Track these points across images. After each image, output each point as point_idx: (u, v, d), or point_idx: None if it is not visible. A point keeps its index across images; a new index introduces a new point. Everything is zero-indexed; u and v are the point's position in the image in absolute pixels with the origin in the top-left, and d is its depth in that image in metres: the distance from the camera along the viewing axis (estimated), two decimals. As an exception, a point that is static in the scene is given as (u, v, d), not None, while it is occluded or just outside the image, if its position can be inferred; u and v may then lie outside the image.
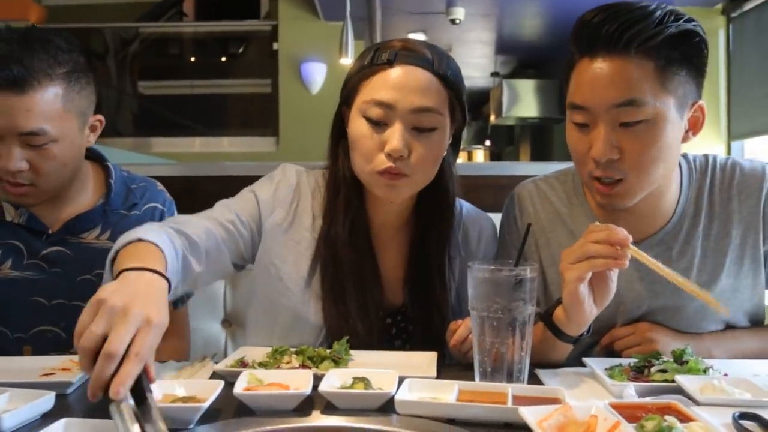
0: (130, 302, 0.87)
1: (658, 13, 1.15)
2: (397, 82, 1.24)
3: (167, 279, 1.01)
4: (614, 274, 1.13)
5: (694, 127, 1.23)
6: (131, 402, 0.82)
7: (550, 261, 1.38)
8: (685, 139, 1.23)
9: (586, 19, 1.19)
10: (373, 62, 1.27)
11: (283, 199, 1.37)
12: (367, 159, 1.26)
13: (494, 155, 10.41)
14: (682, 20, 1.16)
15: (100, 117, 1.46)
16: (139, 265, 0.98)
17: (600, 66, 1.16)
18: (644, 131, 1.16)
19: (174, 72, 7.35)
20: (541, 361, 1.22)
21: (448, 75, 1.27)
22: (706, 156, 1.37)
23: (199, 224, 1.27)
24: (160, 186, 1.62)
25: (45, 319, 1.42)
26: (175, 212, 1.60)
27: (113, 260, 1.07)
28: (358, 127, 1.27)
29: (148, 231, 1.11)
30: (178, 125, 6.83)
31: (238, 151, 6.23)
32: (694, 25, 1.17)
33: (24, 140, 1.29)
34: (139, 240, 1.07)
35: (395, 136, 1.23)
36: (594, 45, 1.17)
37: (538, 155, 8.52)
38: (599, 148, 1.17)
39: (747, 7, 5.12)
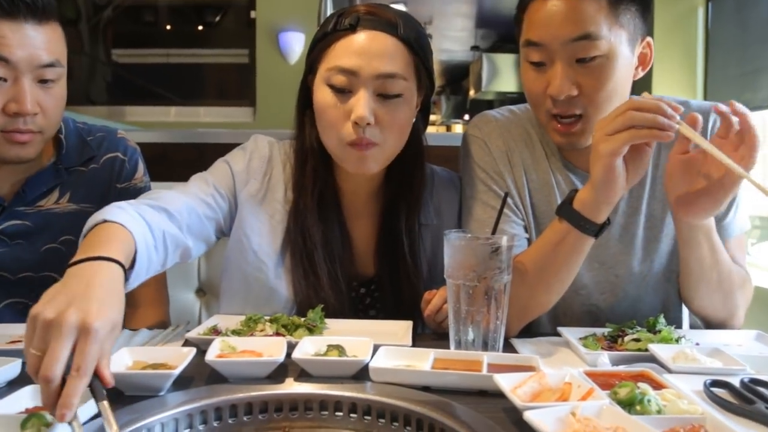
0: (64, 311, 0.78)
1: None
2: (360, 48, 1.21)
3: (121, 264, 0.94)
4: (651, 148, 1.08)
5: (643, 63, 1.27)
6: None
7: (538, 186, 1.35)
8: (634, 76, 1.25)
9: None
10: (336, 28, 1.24)
11: (257, 170, 1.35)
12: (334, 130, 1.23)
13: (473, 130, 10.39)
14: None
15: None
16: (88, 255, 0.91)
17: (555, 3, 1.18)
18: (600, 66, 1.18)
19: (149, 40, 7.19)
20: (548, 280, 1.17)
21: (413, 40, 1.24)
22: (653, 95, 1.38)
23: (179, 199, 1.24)
24: (121, 132, 1.51)
25: (13, 292, 1.37)
26: (140, 160, 1.50)
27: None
28: (322, 95, 1.24)
29: (117, 210, 1.05)
30: (153, 94, 6.71)
31: (215, 120, 6.14)
32: None
33: (39, 75, 1.25)
34: (105, 221, 1.01)
35: (360, 103, 1.20)
36: None
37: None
38: (557, 85, 1.18)
39: (726, -16, 5.13)
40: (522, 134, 1.38)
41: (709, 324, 1.29)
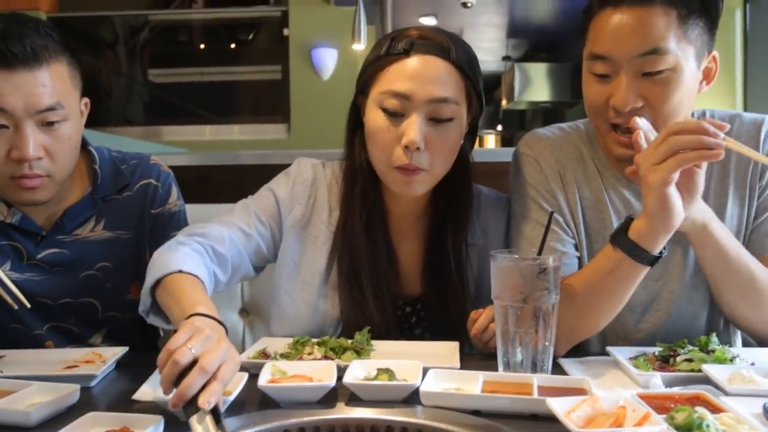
0: (221, 337, 0.92)
1: None
2: (414, 73, 1.22)
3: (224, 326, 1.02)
4: (702, 169, 1.05)
5: (708, 77, 1.25)
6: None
7: (590, 204, 1.34)
8: (699, 90, 1.24)
9: None
10: (389, 52, 1.25)
11: (300, 195, 1.37)
12: (384, 152, 1.25)
13: (506, 140, 10.35)
14: None
15: (87, 100, 1.39)
16: (206, 312, 0.99)
17: (624, 16, 1.16)
18: (666, 80, 1.17)
19: (184, 59, 7.32)
20: (599, 306, 1.16)
21: (464, 64, 1.25)
22: (704, 110, 1.37)
23: (222, 234, 1.28)
24: (154, 159, 1.52)
25: (53, 317, 1.40)
26: (173, 185, 1.51)
27: (154, 285, 1.12)
28: (374, 118, 1.26)
29: (186, 258, 1.15)
30: (188, 113, 6.83)
31: (249, 138, 6.22)
32: None
33: (41, 119, 1.24)
34: (180, 272, 1.11)
35: (412, 127, 1.21)
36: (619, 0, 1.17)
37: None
38: (622, 98, 1.17)
39: (764, -14, 5.04)
40: (574, 152, 1.37)
41: (757, 340, 1.26)
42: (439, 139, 1.23)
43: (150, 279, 1.13)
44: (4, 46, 1.19)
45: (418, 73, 1.22)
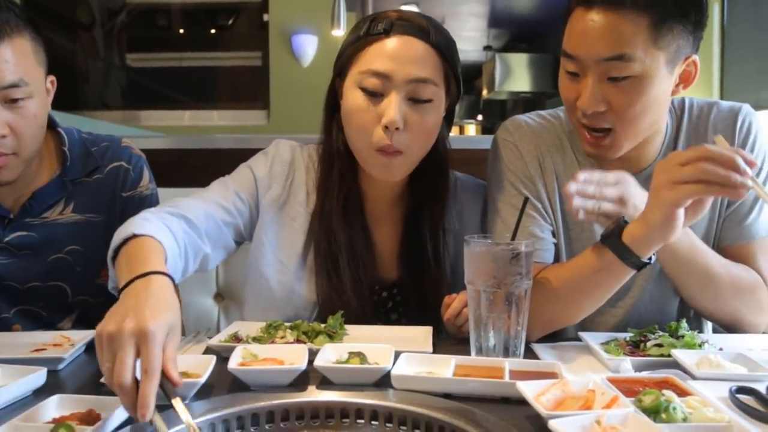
0: (121, 322, 0.84)
1: None
2: (394, 52, 1.22)
3: (167, 274, 0.98)
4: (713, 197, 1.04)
5: (686, 80, 1.23)
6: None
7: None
8: (674, 93, 1.23)
9: None
10: (368, 32, 1.25)
11: (279, 174, 1.36)
12: (364, 133, 1.24)
13: (486, 129, 10.37)
14: None
15: (53, 77, 1.36)
16: (134, 274, 0.95)
17: (593, 18, 1.15)
18: (631, 86, 1.15)
19: (162, 44, 7.22)
20: (582, 301, 1.18)
21: (443, 47, 1.26)
22: (683, 98, 1.37)
23: (198, 206, 1.25)
24: (125, 141, 1.50)
25: (22, 300, 1.37)
26: (145, 168, 1.49)
27: (114, 258, 1.07)
28: (353, 98, 1.25)
29: (143, 222, 1.10)
30: (167, 98, 6.75)
31: (229, 124, 6.17)
32: None
33: (3, 96, 1.21)
34: (134, 236, 1.05)
35: (392, 106, 1.21)
36: (590, 0, 1.16)
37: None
38: (585, 100, 1.18)
39: (742, -20, 5.08)
40: (554, 140, 1.37)
41: (724, 328, 1.28)
42: (419, 120, 1.23)
43: (110, 252, 1.09)
44: None
45: (397, 53, 1.22)
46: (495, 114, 10.26)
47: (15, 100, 1.23)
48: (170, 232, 1.13)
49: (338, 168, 1.33)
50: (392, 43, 1.23)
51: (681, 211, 1.03)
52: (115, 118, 6.24)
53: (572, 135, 1.37)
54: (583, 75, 1.19)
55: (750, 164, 0.98)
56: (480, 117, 10.16)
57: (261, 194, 1.35)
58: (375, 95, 1.23)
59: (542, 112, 1.44)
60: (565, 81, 1.24)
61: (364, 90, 1.23)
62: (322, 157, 1.36)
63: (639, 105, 1.17)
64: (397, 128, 1.21)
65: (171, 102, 6.65)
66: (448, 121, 1.36)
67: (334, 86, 1.34)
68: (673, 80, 1.21)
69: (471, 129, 10.19)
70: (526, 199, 1.17)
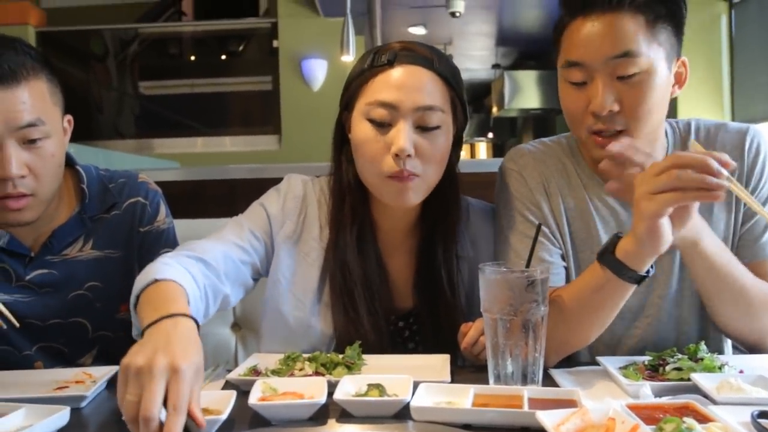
0: (152, 357, 0.86)
1: None
2: (400, 82, 1.24)
3: (192, 317, 1.00)
4: (698, 202, 1.04)
5: (679, 81, 1.28)
6: None
7: (576, 214, 1.34)
8: (671, 93, 1.26)
9: None
10: (373, 65, 1.27)
11: (291, 210, 1.37)
12: (374, 163, 1.25)
13: (497, 147, 10.40)
14: None
15: (70, 117, 1.39)
16: (158, 315, 0.97)
17: (593, 23, 1.19)
18: (640, 82, 1.19)
19: (174, 71, 7.32)
20: (589, 320, 1.17)
21: (448, 74, 1.27)
22: (689, 120, 1.39)
23: (214, 247, 1.27)
24: (142, 177, 1.51)
25: (44, 337, 1.38)
26: (162, 202, 1.50)
27: (136, 304, 1.09)
28: (361, 130, 1.26)
29: (164, 267, 1.12)
30: (179, 125, 6.83)
31: (241, 150, 6.22)
32: None
33: (21, 137, 1.23)
34: (155, 281, 1.07)
35: (401, 135, 1.22)
36: (588, 5, 1.20)
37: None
38: (599, 102, 1.19)
39: (749, -8, 5.09)
40: (556, 164, 1.38)
41: (748, 348, 1.27)
42: (429, 147, 1.24)
43: (132, 299, 1.11)
44: None
45: (403, 83, 1.23)
46: (505, 132, 10.29)
47: (33, 141, 1.25)
48: (190, 275, 1.15)
49: (350, 201, 1.34)
50: (397, 73, 1.24)
51: (665, 222, 1.03)
52: (129, 147, 6.32)
53: (576, 157, 1.38)
54: (590, 80, 1.21)
55: (725, 165, 0.99)
56: (490, 135, 10.20)
57: (275, 231, 1.36)
58: (383, 125, 1.24)
59: (544, 139, 1.46)
60: (571, 93, 1.25)
61: (371, 121, 1.24)
62: (333, 191, 1.37)
63: (650, 101, 1.19)
64: (408, 155, 1.22)
65: (184, 129, 6.72)
66: (457, 148, 1.37)
67: (341, 120, 1.35)
68: (671, 79, 1.24)
69: (482, 147, 10.22)
70: (539, 226, 1.18)
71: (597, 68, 1.19)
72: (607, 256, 1.11)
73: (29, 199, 1.28)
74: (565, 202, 1.35)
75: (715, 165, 0.99)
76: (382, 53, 1.26)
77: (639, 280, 1.10)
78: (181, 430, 0.81)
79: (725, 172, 0.99)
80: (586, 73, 1.21)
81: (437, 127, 1.25)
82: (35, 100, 1.26)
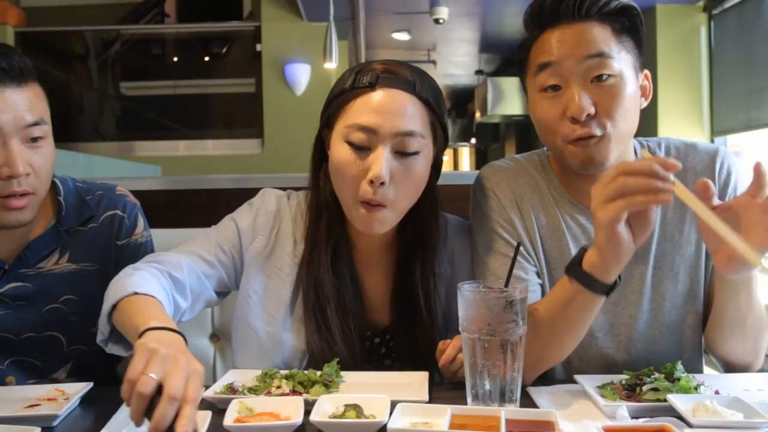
0: (178, 353, 0.91)
1: None
2: (380, 106, 1.22)
3: (183, 336, 1.02)
4: (654, 208, 1.04)
5: (644, 93, 1.30)
6: None
7: (548, 231, 1.35)
8: (639, 105, 1.28)
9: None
10: (354, 85, 1.25)
11: (263, 225, 1.37)
12: (350, 187, 1.24)
13: (480, 152, 10.46)
14: None
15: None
16: (160, 324, 1.00)
17: (565, 31, 1.22)
18: (614, 85, 1.21)
19: (156, 72, 7.28)
20: (562, 335, 1.17)
21: (430, 98, 1.26)
22: (659, 139, 1.41)
23: (180, 261, 1.28)
24: (120, 189, 1.50)
25: (16, 351, 1.37)
26: (140, 215, 1.49)
27: (110, 312, 1.12)
28: (340, 152, 1.25)
29: (140, 281, 1.14)
30: (161, 127, 6.79)
31: (223, 154, 6.19)
32: (631, 1, 1.26)
33: (26, 135, 1.26)
34: (136, 294, 1.10)
35: (378, 162, 1.21)
36: (556, 18, 1.23)
37: (524, 152, 8.55)
38: (577, 105, 1.20)
39: (728, 4, 5.16)
40: (529, 181, 1.38)
41: (731, 368, 1.28)
42: (405, 173, 1.24)
43: (106, 305, 1.13)
44: None
45: (383, 107, 1.22)
46: (488, 137, 10.34)
47: (35, 140, 1.28)
48: (165, 291, 1.17)
49: (326, 219, 1.33)
50: (378, 96, 1.23)
51: (621, 228, 1.03)
52: (111, 150, 6.26)
53: (548, 174, 1.38)
54: (565, 85, 1.22)
55: (670, 168, 0.99)
56: (473, 140, 10.23)
57: (245, 246, 1.35)
58: (362, 149, 1.23)
59: (517, 156, 1.46)
60: (544, 104, 1.26)
61: (350, 144, 1.23)
62: (309, 207, 1.36)
63: (623, 104, 1.21)
64: (383, 183, 1.21)
65: (166, 131, 6.68)
66: (436, 168, 1.36)
67: (321, 137, 1.34)
68: (638, 90, 1.27)
69: (465, 152, 10.25)
70: (518, 245, 1.18)
71: (571, 70, 1.21)
72: (575, 268, 1.12)
73: (30, 198, 1.29)
74: (537, 220, 1.35)
75: (660, 170, 0.99)
76: (364, 74, 1.25)
77: (607, 290, 1.11)
78: (193, 419, 0.85)
79: (671, 176, 1.00)
80: (560, 77, 1.22)
81: (416, 153, 1.24)
82: (38, 100, 1.30)
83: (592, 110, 1.20)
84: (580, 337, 1.19)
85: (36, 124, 1.28)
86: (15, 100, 1.25)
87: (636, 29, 1.25)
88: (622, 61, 1.22)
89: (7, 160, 1.24)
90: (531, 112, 1.32)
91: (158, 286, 1.16)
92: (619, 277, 1.11)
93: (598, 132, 1.22)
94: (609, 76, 1.20)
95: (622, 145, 1.26)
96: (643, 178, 0.99)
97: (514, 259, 1.15)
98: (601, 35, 1.21)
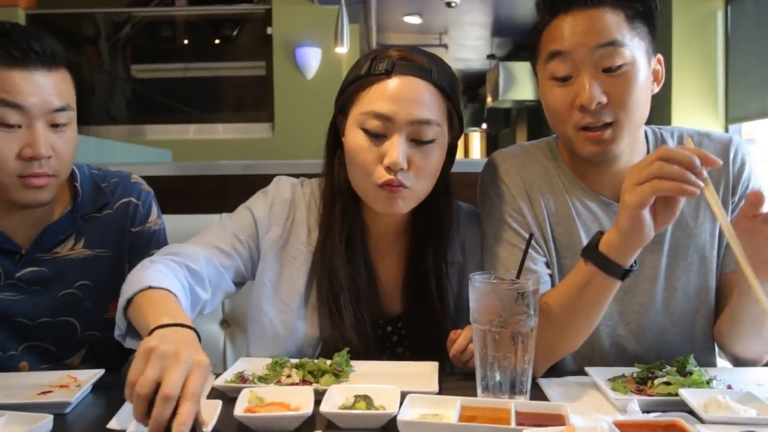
0: (179, 347, 0.89)
1: None
2: (396, 94, 1.21)
3: (195, 331, 1.01)
4: (682, 198, 1.05)
5: (657, 78, 1.29)
6: None
7: (558, 219, 1.34)
8: (651, 91, 1.27)
9: None
10: (370, 72, 1.24)
11: (279, 215, 1.36)
12: (366, 172, 1.24)
13: (491, 137, 10.40)
14: None
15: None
16: (170, 321, 0.99)
17: (577, 17, 1.20)
18: (626, 74, 1.20)
19: (167, 55, 7.25)
20: (576, 322, 1.17)
21: (446, 85, 1.25)
22: (672, 127, 1.40)
23: (197, 252, 1.27)
24: (134, 177, 1.52)
25: (31, 337, 1.38)
26: (154, 204, 1.51)
27: (126, 307, 1.11)
28: (355, 138, 1.24)
29: (157, 274, 1.13)
30: (172, 110, 6.78)
31: (234, 137, 6.19)
32: None
33: (51, 119, 1.28)
34: (150, 288, 1.09)
35: (394, 148, 1.20)
36: (569, 3, 1.21)
37: (535, 137, 8.48)
38: (588, 94, 1.19)
39: (746, -11, 5.07)
40: (538, 168, 1.37)
41: (740, 363, 1.27)
42: (422, 160, 1.23)
43: (121, 300, 1.12)
44: (26, 45, 1.25)
45: (399, 95, 1.21)
46: (499, 122, 10.27)
47: (58, 125, 1.30)
48: (180, 284, 1.16)
49: (341, 205, 1.32)
50: (394, 83, 1.22)
51: (646, 213, 1.04)
52: (121, 133, 6.27)
53: (557, 161, 1.37)
54: (576, 74, 1.21)
55: (711, 164, 1.01)
56: (484, 125, 10.18)
57: (261, 236, 1.35)
58: (377, 136, 1.22)
59: (524, 143, 1.45)
60: (555, 90, 1.25)
61: (365, 131, 1.23)
62: (324, 194, 1.36)
63: (635, 93, 1.20)
64: (401, 169, 1.21)
65: (176, 114, 6.67)
66: (451, 155, 1.36)
67: (336, 123, 1.34)
68: (651, 76, 1.25)
69: (476, 137, 10.20)
70: (531, 236, 1.16)
71: (583, 60, 1.19)
72: (591, 250, 1.12)
73: (50, 179, 1.30)
74: (547, 208, 1.34)
75: (698, 163, 1.00)
76: (380, 61, 1.24)
77: (623, 274, 1.10)
78: (193, 417, 0.84)
79: (705, 174, 1.01)
80: (571, 65, 1.21)
81: (431, 141, 1.23)
82: (66, 86, 1.32)
83: (604, 99, 1.19)
84: (594, 324, 1.18)
85: (62, 109, 1.29)
86: (44, 83, 1.26)
87: (650, 14, 1.23)
88: (634, 48, 1.20)
89: (31, 142, 1.26)
90: (542, 98, 1.31)
91: (173, 278, 1.15)
92: (635, 262, 1.11)
93: (608, 119, 1.21)
94: (621, 65, 1.19)
95: (632, 133, 1.25)
96: (680, 167, 1.00)
97: (526, 251, 1.15)
98: (614, 21, 1.19)
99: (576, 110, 1.21)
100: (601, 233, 1.12)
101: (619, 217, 1.07)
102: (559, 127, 1.28)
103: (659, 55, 1.28)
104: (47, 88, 1.27)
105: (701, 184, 1.00)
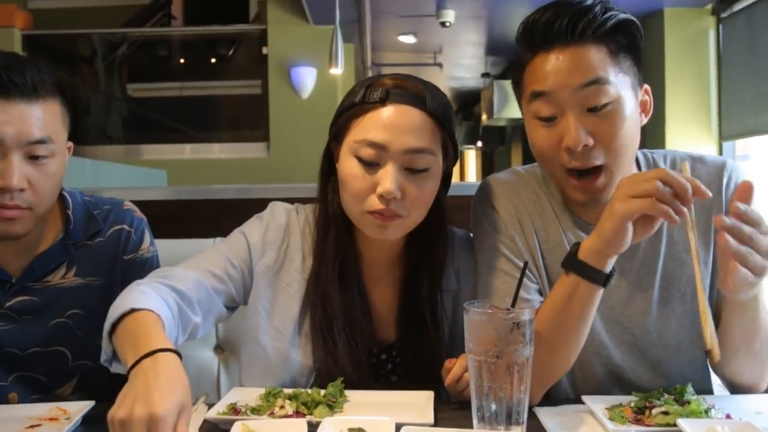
0: (132, 407, 0.89)
1: (599, 5, 1.19)
2: (390, 122, 1.21)
3: (172, 350, 1.01)
4: (661, 220, 1.08)
5: (644, 109, 1.27)
6: None
7: (549, 247, 1.33)
8: (639, 122, 1.25)
9: (535, 18, 1.21)
10: (364, 100, 1.24)
11: (273, 240, 1.35)
12: (358, 199, 1.23)
13: (486, 155, 10.43)
14: (619, 11, 1.20)
15: (71, 143, 1.39)
16: (138, 355, 0.99)
17: (558, 56, 1.18)
18: (612, 113, 1.17)
19: (163, 74, 7.28)
20: (565, 336, 1.16)
21: (440, 113, 1.24)
22: (666, 151, 1.39)
23: (188, 275, 1.26)
24: (127, 204, 1.50)
25: (22, 367, 1.36)
26: (146, 231, 1.49)
27: (111, 332, 1.10)
28: (349, 166, 1.24)
29: (140, 296, 1.12)
30: (168, 129, 6.79)
31: (229, 157, 6.19)
32: (630, 15, 1.21)
33: (28, 151, 1.24)
34: (133, 310, 1.08)
35: (387, 177, 1.20)
36: (549, 40, 1.19)
37: (530, 155, 8.52)
38: (573, 136, 1.17)
39: (737, 7, 5.12)
40: (530, 195, 1.36)
41: (737, 389, 1.26)
42: (415, 189, 1.22)
43: (106, 326, 1.11)
44: (6, 76, 1.22)
45: (393, 123, 1.21)
46: (494, 140, 10.31)
47: (37, 157, 1.26)
48: (166, 304, 1.15)
49: (335, 233, 1.32)
50: (388, 112, 1.22)
51: (629, 225, 1.06)
52: (117, 153, 6.27)
53: (549, 188, 1.36)
54: (561, 114, 1.19)
55: (701, 195, 1.03)
56: (479, 143, 10.21)
57: (255, 261, 1.34)
58: (371, 165, 1.22)
59: (517, 168, 1.44)
60: (540, 131, 1.23)
61: (359, 159, 1.22)
62: (318, 221, 1.35)
63: (622, 132, 1.18)
64: (394, 198, 1.20)
65: (172, 134, 6.68)
66: (446, 182, 1.35)
67: (330, 149, 1.33)
68: (638, 109, 1.24)
69: (471, 155, 10.24)
70: (525, 264, 1.15)
71: (566, 100, 1.17)
72: (571, 259, 1.13)
73: (24, 212, 1.27)
74: (538, 236, 1.34)
75: (690, 194, 1.02)
76: (374, 89, 1.23)
77: (604, 280, 1.12)
78: None
79: (692, 207, 1.03)
80: (555, 107, 1.19)
81: (425, 170, 1.23)
82: (48, 118, 1.28)
83: (590, 141, 1.17)
84: (583, 337, 1.18)
85: (41, 141, 1.25)
86: (23, 114, 1.23)
87: (635, 45, 1.21)
88: (619, 84, 1.17)
89: (2, 173, 1.23)
90: (528, 136, 1.28)
91: (158, 299, 1.14)
92: (614, 268, 1.13)
93: (597, 162, 1.19)
94: (607, 104, 1.16)
95: (623, 170, 1.22)
96: (673, 195, 1.02)
97: (521, 280, 1.13)
98: (596, 58, 1.16)
99: (563, 151, 1.20)
100: (578, 244, 1.13)
101: (604, 223, 1.08)
102: (548, 167, 1.27)
103: (646, 86, 1.26)
104: (27, 118, 1.23)
105: (686, 213, 1.02)
